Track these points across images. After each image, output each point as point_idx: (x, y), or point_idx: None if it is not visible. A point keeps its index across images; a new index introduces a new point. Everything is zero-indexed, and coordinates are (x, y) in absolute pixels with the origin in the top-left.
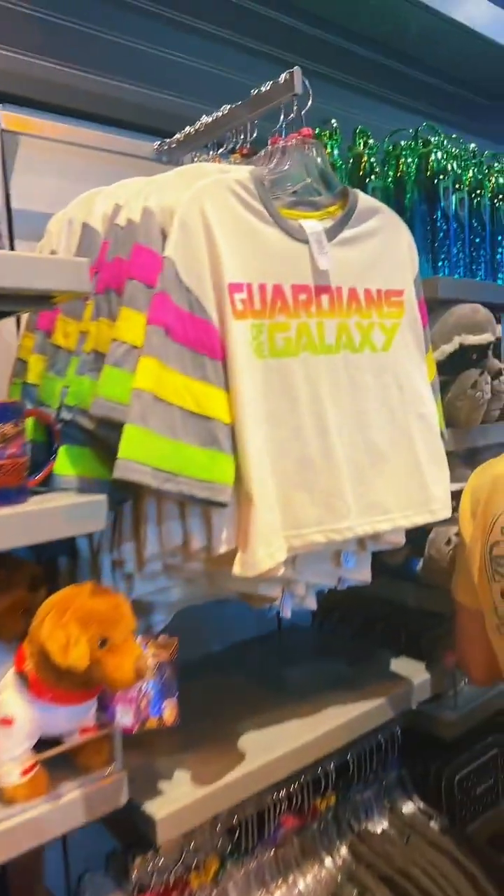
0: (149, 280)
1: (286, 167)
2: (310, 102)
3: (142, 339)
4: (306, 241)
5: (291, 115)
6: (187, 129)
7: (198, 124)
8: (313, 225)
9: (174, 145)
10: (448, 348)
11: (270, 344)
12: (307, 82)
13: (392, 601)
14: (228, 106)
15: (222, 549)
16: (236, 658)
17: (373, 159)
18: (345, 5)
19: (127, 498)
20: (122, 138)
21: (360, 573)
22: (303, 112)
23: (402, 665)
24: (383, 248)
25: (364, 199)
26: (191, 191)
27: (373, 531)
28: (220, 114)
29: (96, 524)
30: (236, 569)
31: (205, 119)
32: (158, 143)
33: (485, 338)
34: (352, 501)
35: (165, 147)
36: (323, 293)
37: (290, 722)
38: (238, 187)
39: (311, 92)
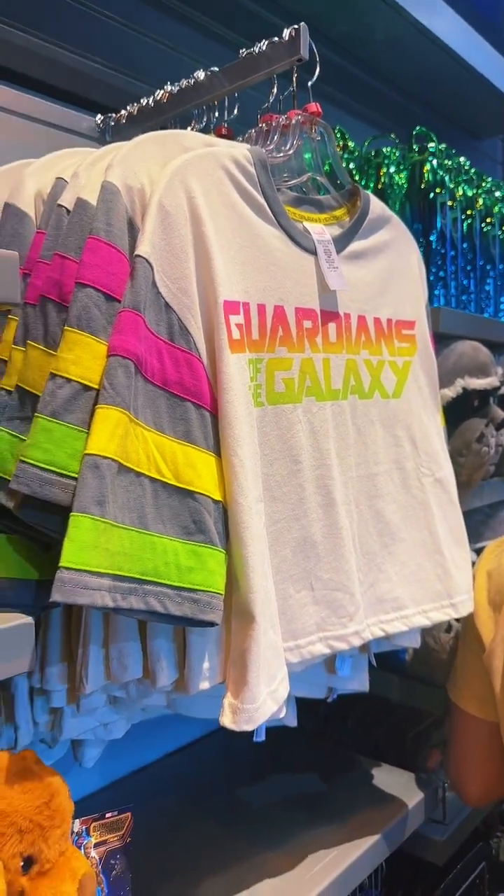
0: (111, 289)
1: (285, 153)
2: (317, 71)
3: (98, 375)
4: (313, 252)
5: (291, 87)
6: (143, 100)
7: (159, 94)
8: (321, 231)
9: (123, 121)
10: (449, 393)
11: (269, 386)
12: (313, 46)
13: (373, 695)
14: (201, 72)
15: (203, 685)
16: (181, 769)
17: (351, 165)
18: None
19: (56, 602)
20: (55, 107)
21: (357, 681)
22: (310, 84)
23: (387, 778)
24: (393, 266)
25: (376, 204)
26: (173, 165)
27: (383, 633)
28: (188, 82)
29: (19, 665)
30: (226, 720)
31: (168, 88)
32: (102, 117)
33: (489, 381)
34: (359, 595)
35: (112, 122)
36: (330, 321)
37: (261, 885)
38: (234, 168)
39: (318, 59)
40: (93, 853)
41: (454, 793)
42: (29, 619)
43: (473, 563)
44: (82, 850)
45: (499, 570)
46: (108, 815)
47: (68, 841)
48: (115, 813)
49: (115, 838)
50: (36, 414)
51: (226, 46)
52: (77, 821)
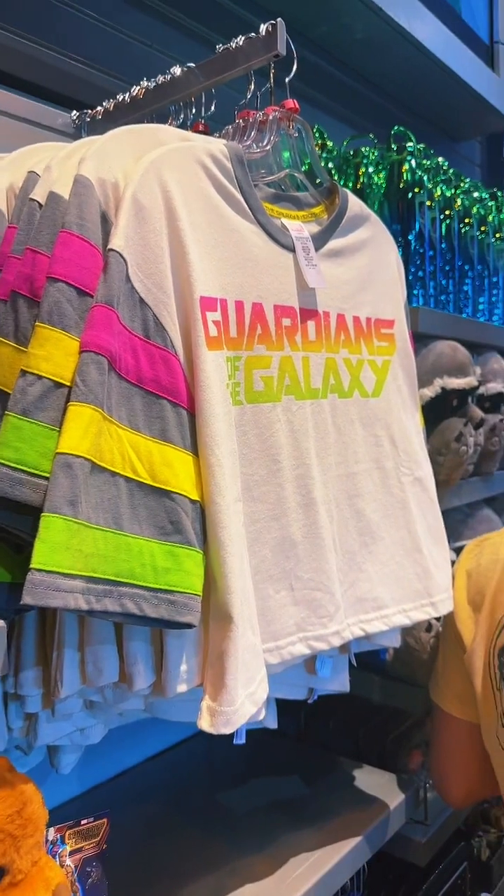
0: (83, 284)
1: (262, 149)
2: (294, 67)
3: (70, 372)
4: (291, 249)
5: (269, 84)
6: (119, 96)
7: (135, 90)
8: (299, 228)
9: (99, 117)
10: (428, 392)
11: (247, 385)
12: (290, 42)
13: (353, 696)
14: (178, 68)
15: (181, 688)
16: (161, 774)
17: (330, 164)
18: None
19: (29, 606)
20: (30, 103)
21: (337, 681)
22: (287, 80)
23: (369, 779)
24: (372, 265)
25: (354, 202)
26: (147, 158)
27: (363, 633)
28: (165, 78)
29: None
30: (204, 723)
31: (144, 84)
32: (77, 113)
33: (468, 381)
34: (339, 595)
35: (87, 119)
36: (309, 319)
37: (242, 890)
38: (211, 163)
39: (295, 55)
40: (68, 861)
41: (437, 794)
42: (1, 623)
43: (453, 563)
44: (57, 859)
45: (478, 569)
46: (83, 821)
47: (42, 850)
48: (91, 819)
49: (91, 845)
50: (6, 412)
51: (204, 45)
52: (51, 829)
